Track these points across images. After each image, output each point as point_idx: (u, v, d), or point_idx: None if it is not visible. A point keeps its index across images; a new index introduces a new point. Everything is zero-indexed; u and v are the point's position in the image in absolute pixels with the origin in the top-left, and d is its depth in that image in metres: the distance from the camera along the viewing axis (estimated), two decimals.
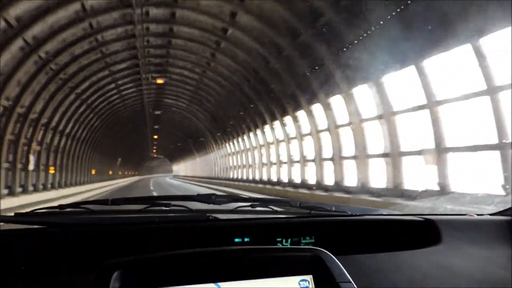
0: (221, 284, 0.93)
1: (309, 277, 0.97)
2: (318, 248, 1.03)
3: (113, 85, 20.10)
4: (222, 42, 15.62)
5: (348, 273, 0.98)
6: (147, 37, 15.38)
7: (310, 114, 14.77)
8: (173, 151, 57.51)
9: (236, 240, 1.35)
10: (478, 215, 1.63)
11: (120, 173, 47.12)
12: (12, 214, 1.41)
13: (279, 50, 14.05)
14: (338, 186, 13.24)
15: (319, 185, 14.59)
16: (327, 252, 1.01)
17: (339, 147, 13.41)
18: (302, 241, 1.40)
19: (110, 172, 36.99)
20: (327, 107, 13.46)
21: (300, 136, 16.19)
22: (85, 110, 20.21)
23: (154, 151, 57.06)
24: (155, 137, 40.86)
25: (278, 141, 18.56)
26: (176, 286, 0.90)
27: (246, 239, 1.36)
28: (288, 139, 17.49)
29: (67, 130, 19.63)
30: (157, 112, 29.21)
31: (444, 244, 1.37)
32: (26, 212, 1.44)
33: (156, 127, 34.25)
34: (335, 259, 1.00)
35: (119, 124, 27.41)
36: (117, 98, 22.51)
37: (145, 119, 30.50)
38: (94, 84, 18.05)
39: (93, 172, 28.83)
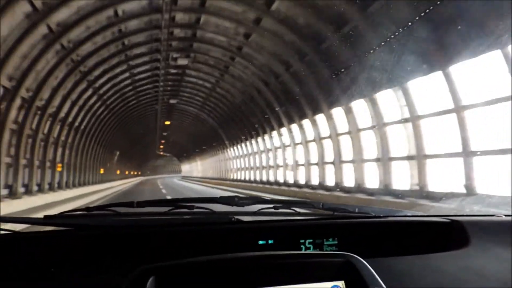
0: None
1: (341, 283, 0.98)
2: (348, 253, 1.04)
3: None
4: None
5: (378, 275, 0.99)
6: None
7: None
8: (183, 149, 53.33)
9: (260, 242, 1.38)
10: (506, 215, 1.61)
11: (117, 172, 38.83)
12: (41, 216, 1.46)
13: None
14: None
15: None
16: (358, 257, 1.02)
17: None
18: (325, 243, 1.41)
19: (102, 171, 28.50)
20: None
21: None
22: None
23: (162, 147, 52.87)
24: (164, 134, 38.76)
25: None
26: None
27: (270, 242, 1.38)
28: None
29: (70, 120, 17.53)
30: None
31: (472, 246, 1.35)
32: (55, 215, 1.48)
33: (167, 122, 32.48)
34: (367, 264, 1.01)
35: (126, 116, 25.95)
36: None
37: (155, 113, 29.21)
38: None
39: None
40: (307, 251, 1.23)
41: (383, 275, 1.07)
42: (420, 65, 9.80)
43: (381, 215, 1.59)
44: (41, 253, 1.25)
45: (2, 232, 1.32)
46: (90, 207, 1.57)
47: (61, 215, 1.50)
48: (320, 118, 15.75)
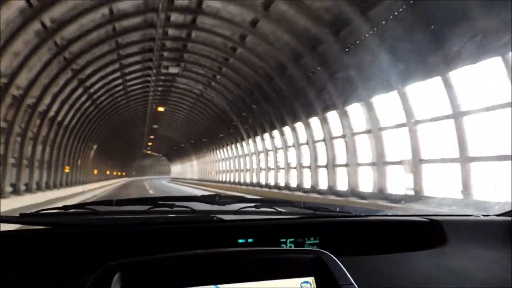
0: (221, 286, 0.95)
1: (311, 279, 0.99)
2: (320, 250, 1.05)
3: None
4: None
5: (352, 274, 1.00)
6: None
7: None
8: (174, 149, 49.78)
9: (240, 241, 1.39)
10: (483, 215, 1.64)
11: (95, 171, 34.58)
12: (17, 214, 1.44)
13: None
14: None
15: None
16: (329, 254, 1.03)
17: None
18: (307, 242, 1.42)
19: (67, 169, 22.41)
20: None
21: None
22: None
23: (150, 145, 48.81)
24: (155, 127, 35.35)
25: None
26: None
27: (250, 240, 1.39)
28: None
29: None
30: (161, 109, 27.89)
31: (449, 245, 1.38)
32: (31, 213, 1.47)
33: (160, 109, 29.43)
34: (337, 261, 1.02)
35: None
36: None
37: (145, 111, 28.22)
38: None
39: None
40: (276, 248, 1.24)
41: (360, 272, 1.09)
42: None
43: (362, 214, 1.61)
44: (16, 252, 1.24)
45: None
46: (67, 206, 1.57)
47: (38, 213, 1.49)
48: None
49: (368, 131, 12.88)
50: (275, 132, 20.06)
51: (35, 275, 1.13)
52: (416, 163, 10.93)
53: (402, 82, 10.76)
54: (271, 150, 21.62)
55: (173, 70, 19.23)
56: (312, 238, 1.44)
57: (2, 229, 1.39)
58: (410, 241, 1.43)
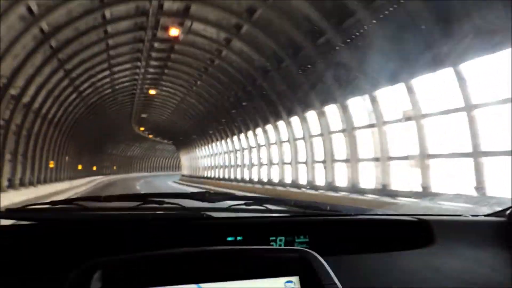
0: (202, 285, 0.98)
1: (295, 279, 1.02)
2: (306, 249, 1.09)
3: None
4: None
5: (340, 273, 1.04)
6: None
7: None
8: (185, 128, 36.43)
9: (229, 239, 1.42)
10: (472, 216, 1.70)
11: (79, 167, 30.94)
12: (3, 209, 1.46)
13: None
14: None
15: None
16: (314, 253, 1.07)
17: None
18: (296, 240, 1.46)
19: None
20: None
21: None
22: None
23: (144, 116, 35.96)
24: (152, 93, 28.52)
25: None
26: (156, 287, 0.96)
27: (239, 238, 1.42)
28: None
29: None
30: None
31: (437, 245, 1.44)
32: (17, 208, 1.49)
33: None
34: (323, 260, 1.06)
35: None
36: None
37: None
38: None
39: None
40: (262, 247, 1.28)
41: (348, 272, 1.14)
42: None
43: (352, 213, 1.67)
44: (1, 248, 1.27)
45: None
46: (55, 201, 1.60)
47: (24, 208, 1.52)
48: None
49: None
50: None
51: (19, 271, 1.15)
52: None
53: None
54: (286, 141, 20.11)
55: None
56: (302, 237, 1.47)
57: None
58: (398, 241, 1.48)
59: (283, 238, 1.47)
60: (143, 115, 36.63)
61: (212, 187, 26.97)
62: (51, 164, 22.90)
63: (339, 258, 1.23)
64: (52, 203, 1.60)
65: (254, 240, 1.43)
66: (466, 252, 1.43)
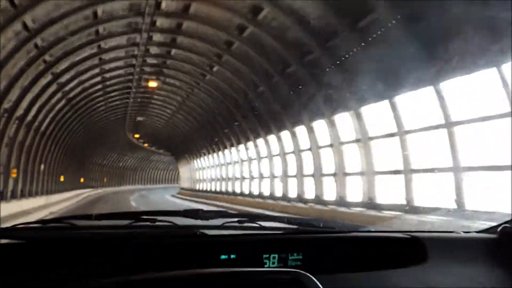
0: None
1: None
2: (299, 271, 1.08)
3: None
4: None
5: None
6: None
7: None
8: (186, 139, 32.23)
9: (222, 257, 1.38)
10: (464, 232, 1.70)
11: (61, 178, 27.59)
12: None
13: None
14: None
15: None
16: (307, 274, 1.06)
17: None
18: (290, 258, 1.44)
19: None
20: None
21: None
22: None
23: (140, 118, 31.98)
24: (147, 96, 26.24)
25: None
26: None
27: (232, 256, 1.39)
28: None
29: None
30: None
31: (430, 262, 1.43)
32: (7, 228, 1.46)
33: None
34: (316, 281, 1.04)
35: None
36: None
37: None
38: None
39: None
40: (254, 269, 1.26)
41: None
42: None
43: (345, 230, 1.65)
44: None
45: None
46: (45, 220, 1.57)
47: (14, 227, 1.48)
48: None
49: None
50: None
51: None
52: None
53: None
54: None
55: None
56: (295, 254, 1.45)
57: None
58: (392, 258, 1.47)
59: (276, 255, 1.44)
60: (139, 118, 32.52)
61: (232, 206, 20.38)
62: (14, 174, 17.39)
63: (333, 276, 1.21)
64: (42, 222, 1.57)
65: (247, 259, 1.40)
66: (459, 269, 1.42)
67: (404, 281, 1.32)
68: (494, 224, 1.65)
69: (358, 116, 12.82)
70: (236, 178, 26.14)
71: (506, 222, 1.55)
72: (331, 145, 14.66)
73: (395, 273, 1.36)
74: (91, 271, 1.24)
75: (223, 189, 28.56)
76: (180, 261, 1.29)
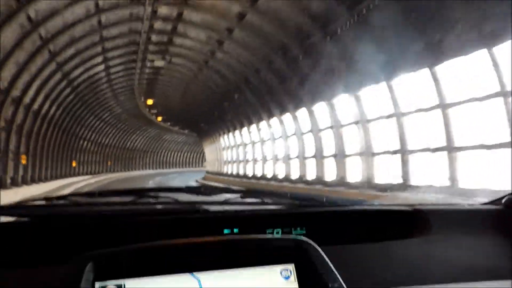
0: (197, 273, 0.93)
1: (291, 266, 0.97)
2: (301, 237, 1.05)
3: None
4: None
5: (336, 262, 0.99)
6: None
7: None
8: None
9: (225, 231, 1.36)
10: (469, 204, 1.64)
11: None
12: None
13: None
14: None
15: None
16: (310, 241, 1.02)
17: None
18: (293, 232, 1.41)
19: None
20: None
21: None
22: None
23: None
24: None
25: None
26: (149, 277, 0.92)
27: (235, 230, 1.36)
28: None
29: None
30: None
31: (433, 234, 1.39)
32: (10, 204, 1.43)
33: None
34: (318, 248, 1.01)
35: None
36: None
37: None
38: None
39: None
40: (256, 236, 1.22)
41: (344, 261, 1.09)
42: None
43: (348, 204, 1.61)
44: None
45: None
46: (49, 197, 1.53)
47: (18, 205, 1.46)
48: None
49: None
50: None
51: (11, 268, 1.10)
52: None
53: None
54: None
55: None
56: (298, 228, 1.41)
57: None
58: (394, 230, 1.43)
59: (279, 230, 1.40)
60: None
61: None
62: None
63: (335, 247, 1.17)
64: (46, 199, 1.53)
65: (250, 232, 1.35)
66: (463, 240, 1.37)
67: (406, 252, 1.29)
68: (486, 200, 1.60)
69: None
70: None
71: (511, 193, 1.48)
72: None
73: (397, 244, 1.32)
74: (94, 246, 1.19)
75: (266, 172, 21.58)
76: (182, 236, 1.24)
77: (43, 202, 1.51)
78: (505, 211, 1.48)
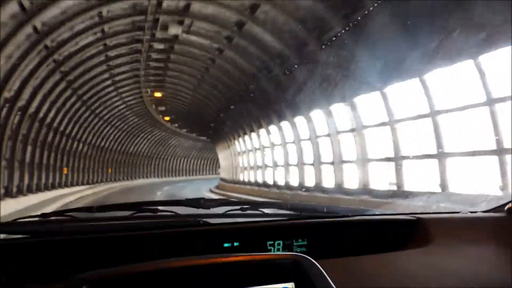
0: None
1: (290, 285, 0.95)
2: (299, 254, 1.02)
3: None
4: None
5: (338, 276, 0.96)
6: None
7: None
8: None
9: (225, 245, 1.33)
10: (470, 212, 1.61)
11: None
12: None
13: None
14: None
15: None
16: (308, 258, 0.99)
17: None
18: (295, 244, 1.38)
19: None
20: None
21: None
22: None
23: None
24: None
25: None
26: None
27: (235, 244, 1.33)
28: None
29: None
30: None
31: (436, 243, 1.36)
32: (8, 222, 1.40)
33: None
34: (317, 264, 0.98)
35: None
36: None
37: None
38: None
39: None
40: (255, 254, 1.18)
41: (347, 274, 1.06)
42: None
43: (349, 214, 1.56)
44: None
45: None
46: (46, 213, 1.48)
47: (15, 222, 1.41)
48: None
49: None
50: None
51: (11, 285, 1.07)
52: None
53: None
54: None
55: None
56: (300, 240, 1.38)
57: None
58: (397, 240, 1.40)
59: (281, 242, 1.37)
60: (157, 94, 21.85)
61: None
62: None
63: (337, 260, 1.14)
64: (43, 215, 1.48)
65: (251, 246, 1.34)
66: (465, 249, 1.34)
67: (409, 262, 1.25)
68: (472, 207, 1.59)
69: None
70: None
71: None
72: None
73: (400, 255, 1.29)
74: (93, 264, 1.17)
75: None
76: (183, 251, 1.22)
77: (40, 219, 1.46)
78: (508, 218, 1.46)
